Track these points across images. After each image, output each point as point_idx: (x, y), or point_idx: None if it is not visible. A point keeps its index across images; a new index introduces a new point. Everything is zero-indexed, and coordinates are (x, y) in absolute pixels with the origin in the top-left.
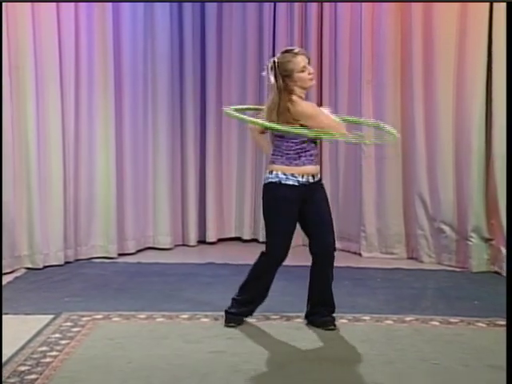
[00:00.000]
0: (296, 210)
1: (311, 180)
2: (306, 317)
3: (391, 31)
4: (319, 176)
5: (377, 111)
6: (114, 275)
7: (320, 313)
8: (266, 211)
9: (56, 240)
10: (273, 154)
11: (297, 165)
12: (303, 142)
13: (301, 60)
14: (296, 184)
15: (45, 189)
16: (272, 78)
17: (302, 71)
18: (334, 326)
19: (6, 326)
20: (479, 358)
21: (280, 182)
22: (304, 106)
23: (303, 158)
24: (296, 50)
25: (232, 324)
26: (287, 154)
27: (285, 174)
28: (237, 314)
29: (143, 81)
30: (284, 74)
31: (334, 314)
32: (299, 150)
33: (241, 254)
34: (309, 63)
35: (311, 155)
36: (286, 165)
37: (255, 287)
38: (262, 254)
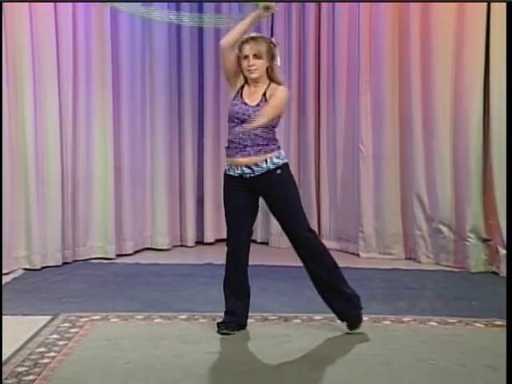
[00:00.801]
0: (241, 201)
1: (247, 171)
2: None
3: (389, 31)
4: (266, 164)
5: (375, 111)
6: (111, 276)
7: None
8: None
9: (54, 241)
10: None
11: (228, 155)
12: (230, 121)
13: (245, 47)
14: (236, 175)
15: (42, 189)
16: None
17: (244, 58)
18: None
19: (4, 326)
20: (477, 358)
21: (225, 172)
22: None
23: (233, 150)
24: (245, 39)
25: (224, 331)
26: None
27: (226, 164)
28: (225, 322)
29: (141, 81)
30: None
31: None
32: (229, 140)
33: None
34: (258, 55)
35: (240, 145)
36: (226, 155)
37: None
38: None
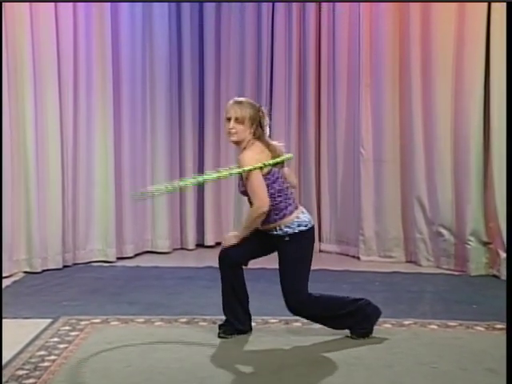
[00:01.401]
0: (257, 238)
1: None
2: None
3: (389, 34)
4: (276, 232)
5: (375, 114)
6: (112, 279)
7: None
8: None
9: (54, 244)
10: None
11: None
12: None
13: (229, 110)
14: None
15: (43, 193)
16: None
17: (227, 120)
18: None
19: (5, 329)
20: (477, 361)
21: None
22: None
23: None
24: (232, 102)
25: (221, 335)
26: None
27: None
28: (225, 325)
29: (141, 83)
30: None
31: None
32: None
33: None
34: (236, 119)
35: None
36: None
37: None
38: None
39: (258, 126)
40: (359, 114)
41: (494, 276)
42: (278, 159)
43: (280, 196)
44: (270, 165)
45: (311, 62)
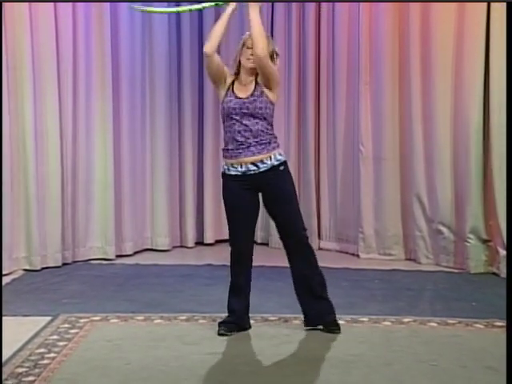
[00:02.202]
0: (242, 201)
1: (252, 168)
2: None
3: (389, 33)
4: (270, 161)
5: (374, 113)
6: (111, 277)
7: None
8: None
9: (54, 241)
10: None
11: (229, 156)
12: (227, 120)
13: (248, 39)
14: (238, 174)
15: (42, 190)
16: None
17: (247, 48)
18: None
19: (4, 327)
20: (477, 359)
21: (223, 173)
22: None
23: (235, 150)
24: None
25: (222, 331)
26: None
27: (225, 164)
28: (225, 322)
29: (141, 82)
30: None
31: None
32: (225, 132)
33: None
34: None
35: (243, 144)
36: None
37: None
38: None
39: (270, 57)
40: (359, 112)
41: (494, 274)
42: None
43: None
44: None
45: (311, 60)
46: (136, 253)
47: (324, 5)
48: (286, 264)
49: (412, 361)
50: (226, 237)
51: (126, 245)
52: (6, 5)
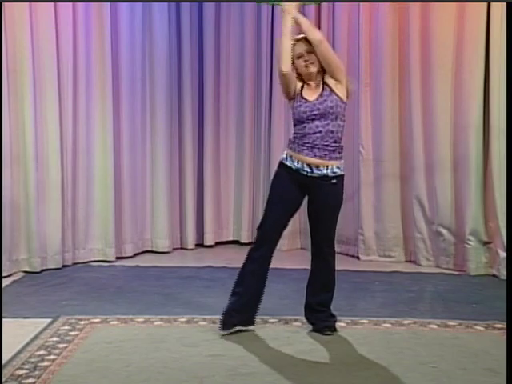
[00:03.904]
0: (288, 193)
1: (306, 169)
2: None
3: (389, 34)
4: (325, 170)
5: (375, 114)
6: (111, 279)
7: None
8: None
9: (54, 243)
10: None
11: (293, 149)
12: (298, 124)
13: (297, 48)
14: (293, 168)
15: (43, 192)
16: None
17: (298, 58)
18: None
19: (4, 329)
20: (477, 361)
21: (281, 161)
22: None
23: (299, 145)
24: (296, 38)
25: (223, 329)
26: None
27: (286, 153)
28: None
29: (141, 84)
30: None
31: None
32: (295, 133)
33: (239, 257)
34: (311, 50)
35: (306, 143)
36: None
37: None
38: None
39: None
40: (359, 113)
41: (494, 275)
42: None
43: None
44: None
45: None
46: (136, 255)
47: (324, 6)
48: (287, 266)
49: (412, 363)
50: (226, 239)
51: (126, 246)
52: (6, 5)
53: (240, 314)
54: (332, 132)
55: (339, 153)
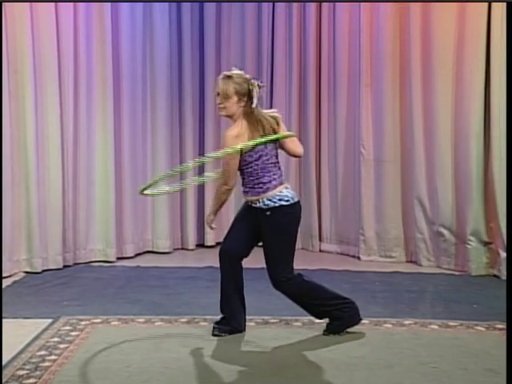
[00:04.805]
0: (246, 220)
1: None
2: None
3: (390, 35)
4: (258, 204)
5: (375, 115)
6: (112, 279)
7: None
8: None
9: (54, 244)
10: None
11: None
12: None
13: (217, 85)
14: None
15: (43, 192)
16: None
17: (216, 95)
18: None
19: (5, 330)
20: (478, 361)
21: None
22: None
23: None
24: (221, 76)
25: (216, 332)
26: None
27: None
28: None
29: (142, 83)
30: None
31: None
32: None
33: None
34: (222, 95)
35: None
36: None
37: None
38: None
39: (248, 99)
40: (359, 113)
41: (495, 276)
42: (263, 139)
43: (263, 172)
44: (249, 146)
45: (311, 62)
46: (137, 255)
47: (325, 7)
48: None
49: (413, 363)
50: None
51: (127, 247)
52: (6, 9)
53: (233, 328)
54: (252, 178)
55: (260, 188)
